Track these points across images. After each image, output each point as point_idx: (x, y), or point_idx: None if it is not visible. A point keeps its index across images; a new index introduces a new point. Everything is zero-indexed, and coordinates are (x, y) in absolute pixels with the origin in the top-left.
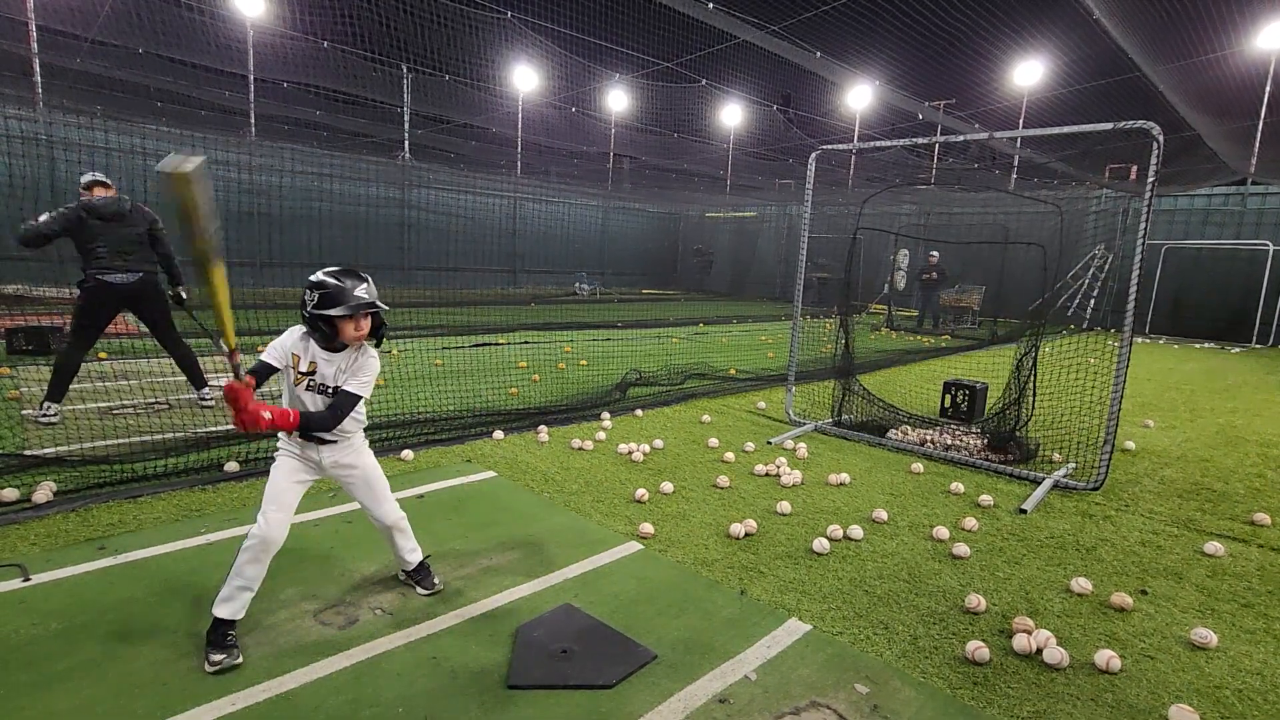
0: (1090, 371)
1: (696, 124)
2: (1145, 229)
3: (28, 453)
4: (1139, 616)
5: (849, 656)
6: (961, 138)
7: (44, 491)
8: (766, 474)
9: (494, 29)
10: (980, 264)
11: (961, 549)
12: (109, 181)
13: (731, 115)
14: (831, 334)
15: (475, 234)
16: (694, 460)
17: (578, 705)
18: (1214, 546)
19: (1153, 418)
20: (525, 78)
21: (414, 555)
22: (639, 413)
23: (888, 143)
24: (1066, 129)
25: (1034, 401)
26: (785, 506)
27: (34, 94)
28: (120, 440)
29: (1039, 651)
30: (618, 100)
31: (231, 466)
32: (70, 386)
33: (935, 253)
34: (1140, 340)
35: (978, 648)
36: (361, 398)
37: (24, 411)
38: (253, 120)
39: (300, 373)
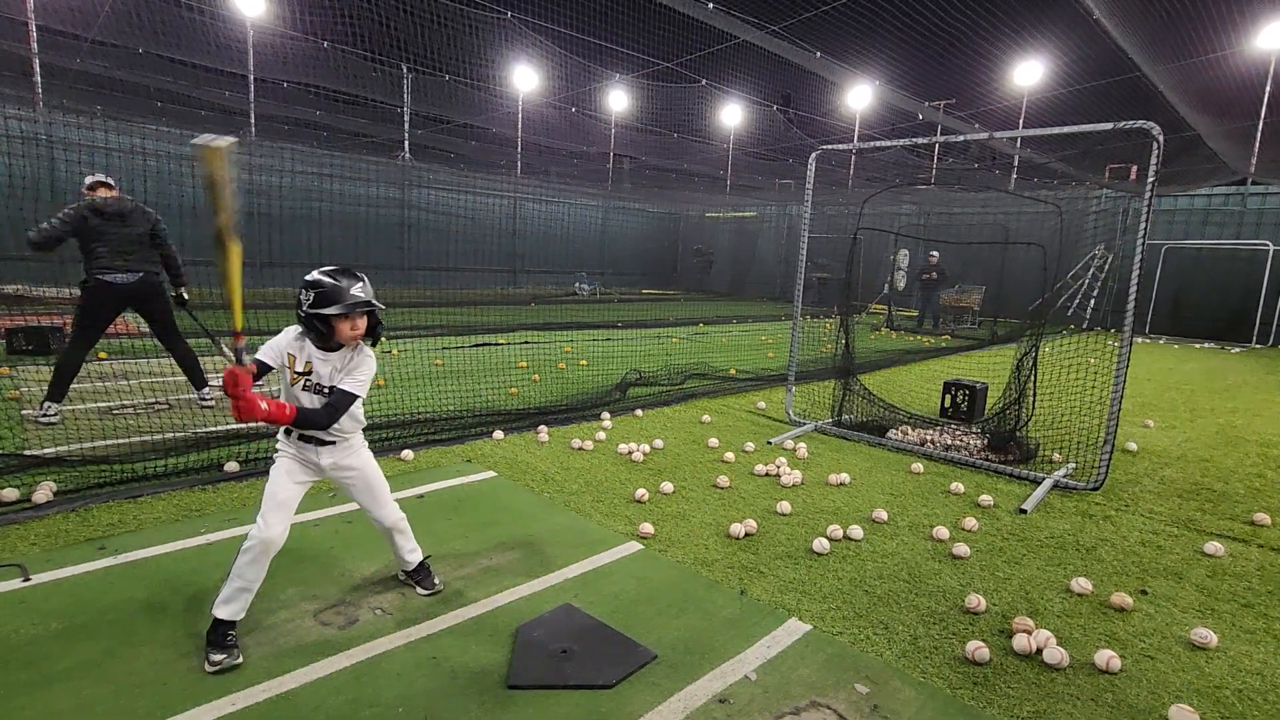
0: (1090, 371)
1: (696, 124)
2: (1145, 229)
3: (28, 453)
4: (1139, 616)
5: (849, 656)
6: (961, 138)
7: (44, 491)
8: (766, 474)
9: (494, 29)
10: (980, 264)
11: (961, 549)
12: (112, 183)
13: (731, 115)
14: (832, 334)
15: (475, 234)
16: (694, 460)
17: (578, 705)
18: (1214, 546)
19: (1153, 418)
20: (525, 78)
21: (414, 556)
22: (639, 413)
23: (888, 143)
24: (1066, 129)
25: (1034, 401)
26: (785, 506)
27: (34, 94)
28: (120, 440)
29: (1039, 651)
30: (618, 100)
31: (231, 466)
32: (70, 386)
33: (935, 253)
34: (1140, 340)
35: (978, 648)
36: (357, 397)
37: (24, 411)
38: (253, 120)
39: (296, 373)
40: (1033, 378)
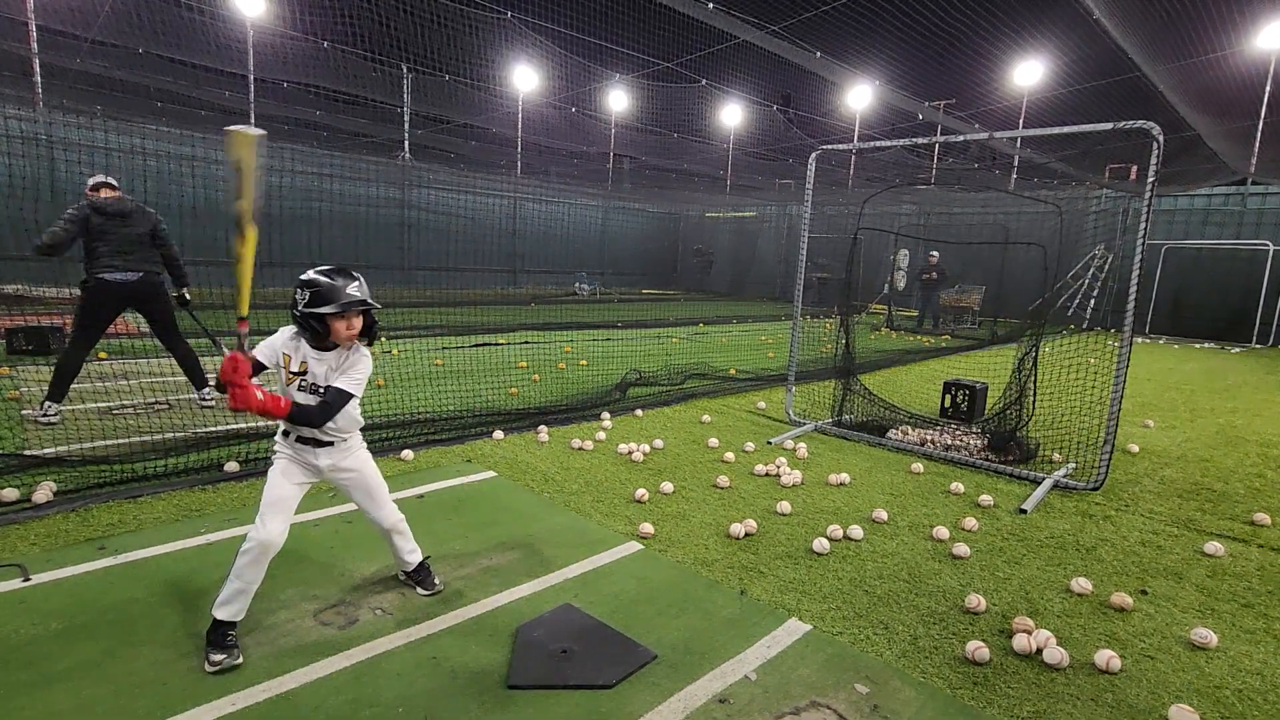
0: (1090, 371)
1: (696, 124)
2: (1145, 229)
3: (28, 453)
4: (1139, 616)
5: (849, 656)
6: (961, 138)
7: (44, 491)
8: (766, 474)
9: (494, 29)
10: (980, 264)
11: (961, 549)
12: (116, 184)
13: (731, 115)
14: (832, 334)
15: (475, 234)
16: (694, 460)
17: (578, 705)
18: (1214, 546)
19: (1153, 418)
20: (525, 78)
21: (414, 556)
22: (639, 413)
23: (888, 143)
24: (1066, 129)
25: (1034, 402)
26: (785, 506)
27: (34, 94)
28: (120, 440)
29: (1039, 651)
30: (618, 100)
31: (231, 466)
32: (70, 386)
33: (935, 253)
34: (1140, 340)
35: (978, 648)
36: (353, 396)
37: (24, 411)
38: (253, 120)
39: (291, 373)
40: (1033, 378)
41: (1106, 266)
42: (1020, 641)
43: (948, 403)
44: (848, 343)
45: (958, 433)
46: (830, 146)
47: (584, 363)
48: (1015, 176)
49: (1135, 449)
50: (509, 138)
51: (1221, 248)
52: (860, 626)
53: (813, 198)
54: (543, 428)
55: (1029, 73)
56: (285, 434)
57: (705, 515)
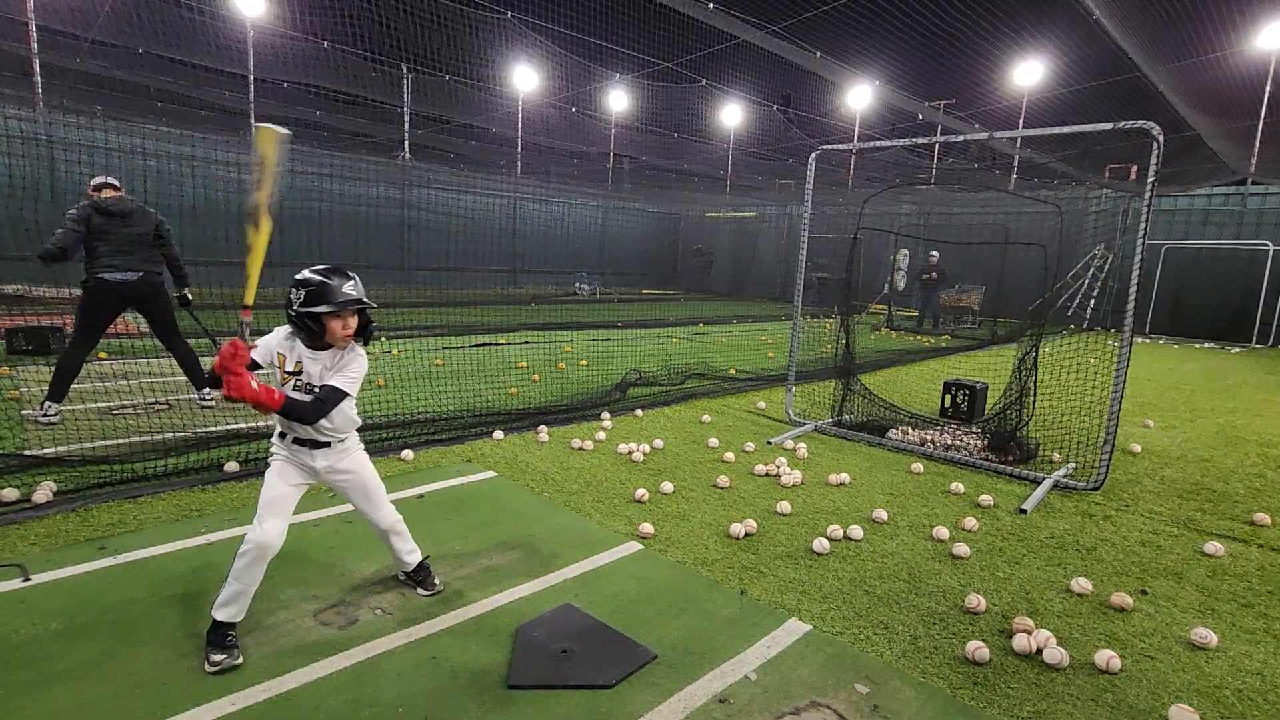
0: (1090, 371)
1: (696, 124)
2: (1145, 229)
3: (28, 453)
4: (1139, 616)
5: (849, 656)
6: (961, 138)
7: (44, 491)
8: (766, 474)
9: (494, 29)
10: (980, 264)
11: (961, 549)
12: (118, 185)
13: (731, 115)
14: (832, 334)
15: (475, 234)
16: (694, 460)
17: (578, 705)
18: (1214, 546)
19: (1153, 418)
20: (525, 78)
21: (413, 557)
22: (639, 413)
23: (888, 143)
24: (1066, 129)
25: (1034, 402)
26: (785, 506)
27: (34, 94)
28: (120, 440)
29: (1039, 651)
30: (618, 100)
31: (231, 466)
32: (70, 386)
33: (935, 253)
34: (1140, 340)
35: (978, 648)
36: (347, 394)
37: (24, 411)
38: (253, 120)
39: (286, 372)
40: (1033, 378)
41: (1106, 266)
42: (1020, 641)
43: (948, 403)
44: (848, 343)
45: (958, 433)
46: (830, 146)
47: (584, 363)
48: (1015, 176)
49: (1138, 449)
50: (509, 138)
51: (1221, 248)
52: (860, 626)
53: (813, 198)
54: (543, 428)
55: (1029, 73)
56: (282, 435)
57: (705, 515)
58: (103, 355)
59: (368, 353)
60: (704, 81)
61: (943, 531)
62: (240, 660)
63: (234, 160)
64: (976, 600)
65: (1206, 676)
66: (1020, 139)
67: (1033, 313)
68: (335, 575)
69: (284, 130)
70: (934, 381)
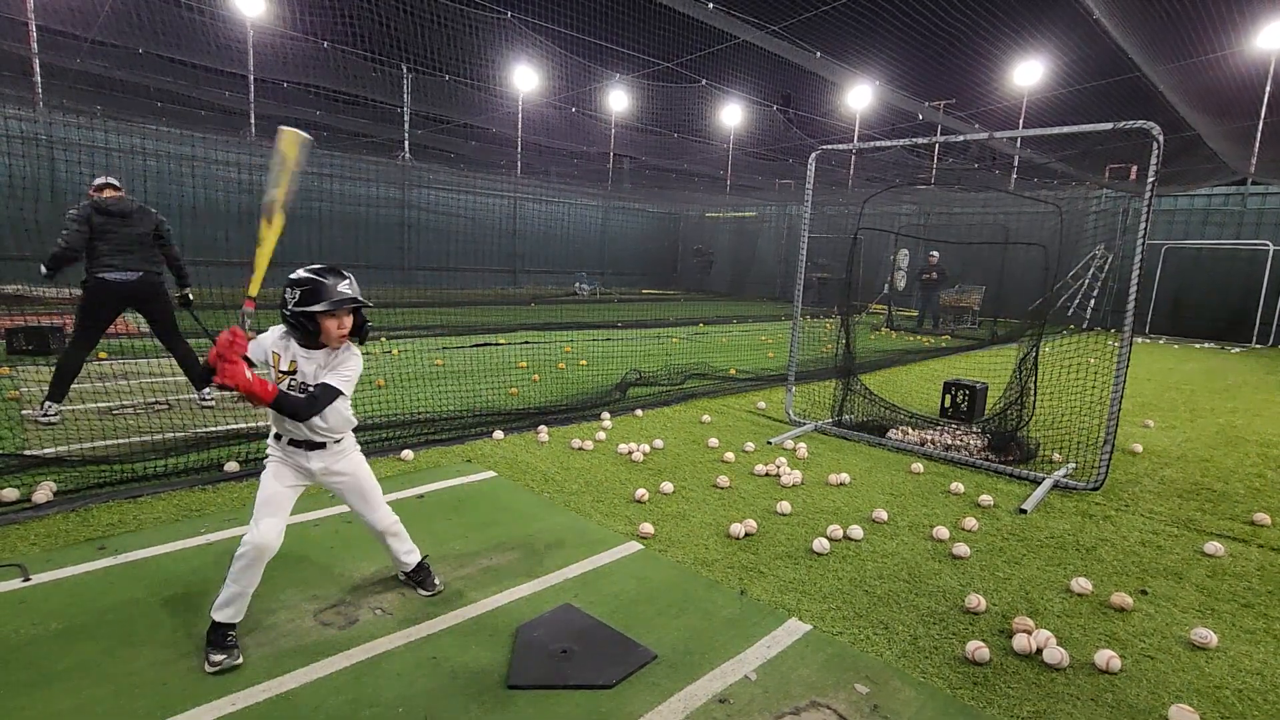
0: (1090, 371)
1: (696, 124)
2: (1145, 229)
3: (28, 453)
4: (1139, 616)
5: (849, 656)
6: (961, 138)
7: (44, 491)
8: (766, 474)
9: (494, 29)
10: (980, 264)
11: (961, 549)
12: (119, 185)
13: (731, 115)
14: (832, 334)
15: (475, 234)
16: (694, 460)
17: (578, 705)
18: (1214, 546)
19: (1153, 418)
20: (525, 78)
21: (411, 557)
22: (639, 413)
23: (888, 143)
24: (1066, 129)
25: (1034, 402)
26: (785, 506)
27: (34, 94)
28: (120, 440)
29: (1039, 651)
30: (618, 100)
31: (231, 466)
32: (70, 386)
33: (935, 253)
34: (1140, 340)
35: (978, 648)
36: (341, 393)
37: (24, 411)
38: (253, 120)
39: (281, 371)
40: (1033, 378)
41: (1106, 266)
42: (1020, 641)
43: (948, 403)
44: (848, 343)
45: (958, 433)
46: (830, 146)
47: (584, 363)
48: (1015, 176)
49: (1139, 449)
50: (509, 138)
51: (1221, 248)
52: (860, 626)
53: (813, 198)
54: (543, 428)
55: (1029, 73)
56: (277, 437)
57: (705, 515)
58: (103, 355)
59: (364, 353)
60: (704, 81)
61: (943, 531)
62: (240, 660)
63: (234, 160)
64: (976, 600)
65: (1206, 676)
66: (1020, 139)
67: (1033, 313)
68: (335, 575)
69: (307, 135)
70: (934, 381)
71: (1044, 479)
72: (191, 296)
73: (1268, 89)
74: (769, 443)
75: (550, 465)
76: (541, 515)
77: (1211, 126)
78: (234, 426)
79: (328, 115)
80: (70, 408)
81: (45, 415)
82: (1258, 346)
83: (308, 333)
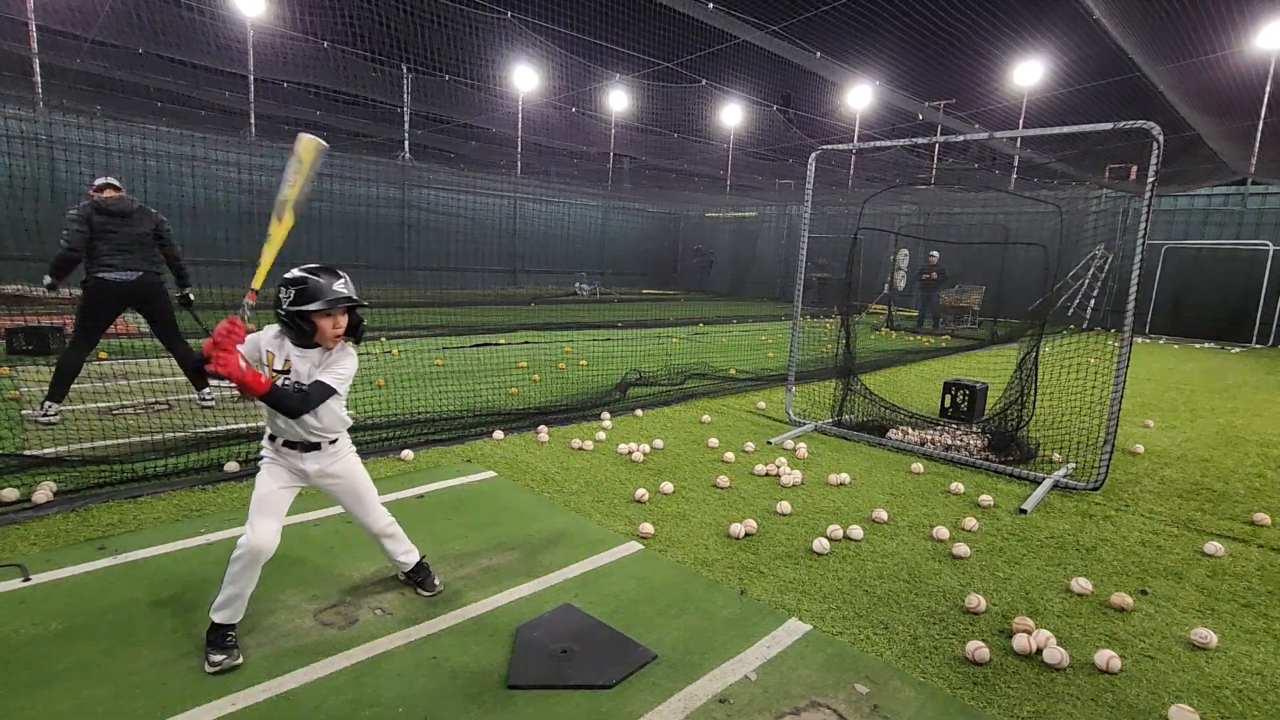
0: (1090, 371)
1: (696, 124)
2: (1145, 229)
3: (28, 453)
4: (1139, 616)
5: (849, 656)
6: (961, 138)
7: (44, 491)
8: (766, 474)
9: (494, 29)
10: (980, 264)
11: (961, 549)
12: (120, 185)
13: (731, 115)
14: (832, 334)
15: (475, 234)
16: (694, 460)
17: (578, 705)
18: (1214, 546)
19: (1153, 418)
20: (525, 78)
21: (409, 557)
22: (639, 413)
23: (888, 143)
24: (1066, 129)
25: (1034, 402)
26: (785, 506)
27: (34, 94)
28: (120, 440)
29: (1039, 651)
30: (618, 100)
31: (231, 466)
32: (70, 386)
33: (935, 253)
34: (1140, 340)
35: (978, 648)
36: (335, 391)
37: (24, 411)
38: (252, 120)
39: (275, 370)
40: (1033, 378)
41: (1106, 266)
42: (1020, 641)
43: (948, 403)
44: (848, 343)
45: (958, 433)
46: (830, 146)
47: (584, 363)
48: (1015, 176)
49: (1139, 449)
50: (509, 138)
51: (1221, 248)
52: (860, 626)
53: (813, 198)
54: (543, 428)
55: (1029, 73)
56: (272, 438)
57: (705, 515)
58: (103, 355)
59: (363, 353)
60: (704, 81)
61: (943, 531)
62: (240, 660)
63: (234, 160)
64: (976, 600)
65: (1206, 676)
66: (1020, 139)
67: (1033, 313)
68: (335, 575)
69: (324, 143)
70: (934, 381)
71: (1044, 479)
72: (192, 296)
73: (1268, 89)
74: (769, 443)
75: (550, 465)
76: (541, 515)
77: (1211, 126)
78: (234, 426)
79: (328, 115)
80: (70, 408)
81: (45, 415)
82: (1258, 346)
83: (303, 332)
